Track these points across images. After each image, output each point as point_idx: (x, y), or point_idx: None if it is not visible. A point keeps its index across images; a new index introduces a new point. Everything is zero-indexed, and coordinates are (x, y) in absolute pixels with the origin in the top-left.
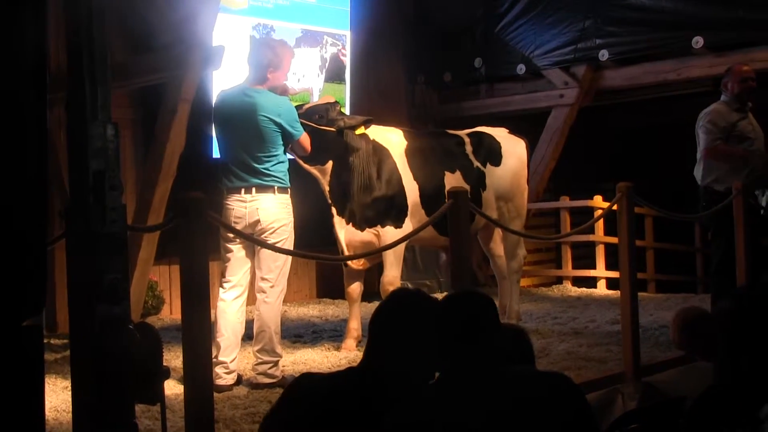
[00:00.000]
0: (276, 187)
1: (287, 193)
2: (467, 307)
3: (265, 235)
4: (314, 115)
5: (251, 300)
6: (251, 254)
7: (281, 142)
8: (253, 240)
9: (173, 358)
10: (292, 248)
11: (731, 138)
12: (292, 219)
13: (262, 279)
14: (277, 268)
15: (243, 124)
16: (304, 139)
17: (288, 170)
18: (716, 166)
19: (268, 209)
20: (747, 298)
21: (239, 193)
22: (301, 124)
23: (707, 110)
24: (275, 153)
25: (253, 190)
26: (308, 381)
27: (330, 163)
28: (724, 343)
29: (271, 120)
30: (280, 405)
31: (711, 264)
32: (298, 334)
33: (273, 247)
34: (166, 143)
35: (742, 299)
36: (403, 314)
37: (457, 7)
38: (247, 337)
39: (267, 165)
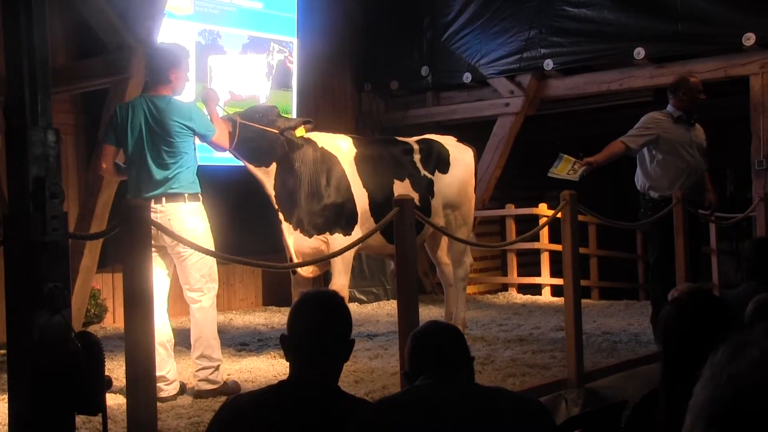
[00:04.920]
0: (186, 195)
1: (199, 199)
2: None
3: (180, 247)
4: (255, 114)
5: (183, 310)
6: (170, 262)
7: (191, 148)
8: (197, 247)
9: (116, 367)
10: (212, 249)
11: (661, 143)
12: (207, 224)
13: (191, 290)
14: (203, 278)
15: (151, 133)
16: (217, 137)
17: (197, 175)
18: (652, 174)
19: (181, 220)
20: (684, 303)
21: (149, 203)
22: (245, 125)
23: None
24: (183, 159)
25: (163, 199)
26: (234, 403)
27: (274, 165)
28: (662, 349)
29: (183, 125)
30: (210, 429)
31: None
32: (243, 342)
33: (219, 255)
34: None
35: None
36: (332, 321)
37: (404, 15)
38: (187, 344)
39: (174, 172)
